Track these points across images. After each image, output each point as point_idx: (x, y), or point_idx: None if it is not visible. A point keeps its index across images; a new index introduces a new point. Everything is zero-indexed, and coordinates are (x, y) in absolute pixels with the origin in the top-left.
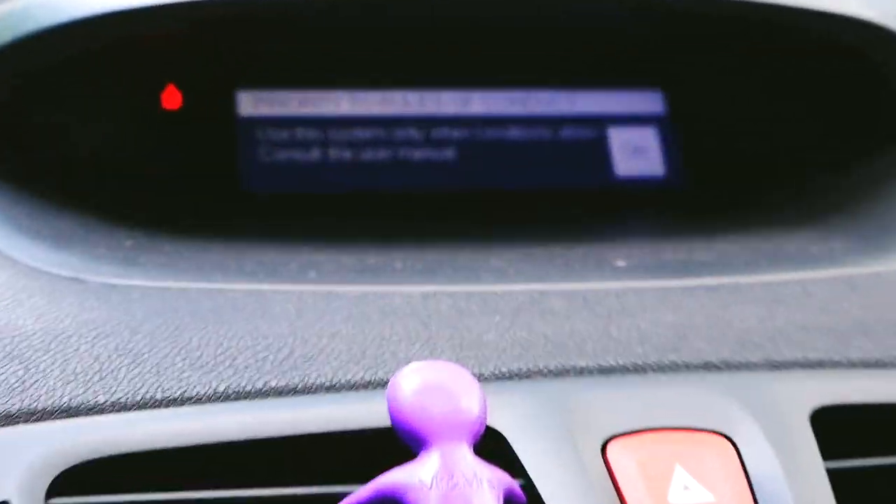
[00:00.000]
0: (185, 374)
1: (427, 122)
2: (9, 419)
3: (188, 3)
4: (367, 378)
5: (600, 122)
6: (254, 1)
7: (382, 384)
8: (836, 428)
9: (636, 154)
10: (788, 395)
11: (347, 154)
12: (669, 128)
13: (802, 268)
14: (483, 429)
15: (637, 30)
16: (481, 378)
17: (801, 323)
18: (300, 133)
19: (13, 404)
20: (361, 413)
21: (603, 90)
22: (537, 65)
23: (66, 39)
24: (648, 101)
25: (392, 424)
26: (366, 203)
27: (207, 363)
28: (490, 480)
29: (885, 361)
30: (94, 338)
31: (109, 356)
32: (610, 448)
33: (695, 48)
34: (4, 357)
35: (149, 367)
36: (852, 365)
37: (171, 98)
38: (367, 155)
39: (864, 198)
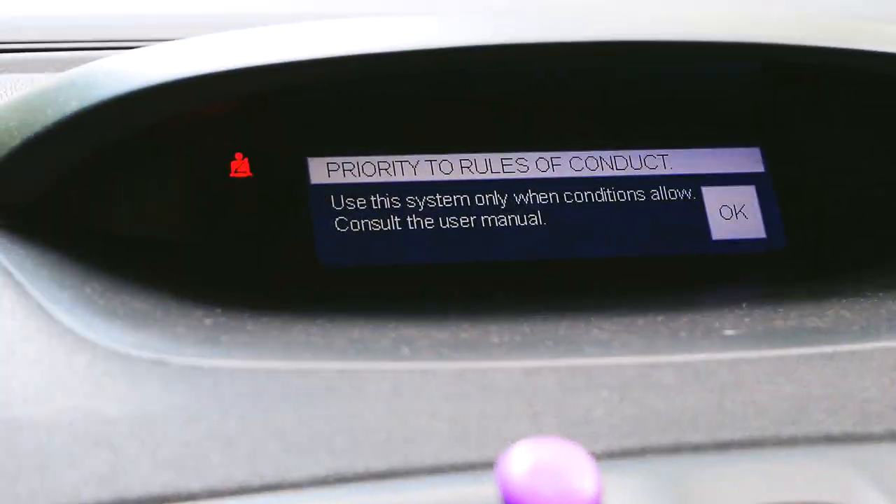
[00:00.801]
0: (281, 459)
1: (511, 186)
2: None
3: (256, 67)
4: (473, 459)
5: (695, 182)
6: (325, 64)
7: (489, 465)
8: None
9: (735, 215)
10: None
11: (428, 222)
12: (769, 186)
13: None
14: None
15: (733, 85)
16: (592, 456)
17: None
18: (377, 201)
19: (104, 494)
20: (469, 496)
21: (698, 148)
22: (626, 123)
23: (131, 109)
24: (746, 159)
25: None
26: (450, 273)
27: (303, 447)
28: None
29: None
30: (183, 422)
31: (200, 441)
32: None
33: (794, 102)
34: (92, 444)
35: (242, 452)
36: None
37: (241, 167)
38: (449, 222)
39: None
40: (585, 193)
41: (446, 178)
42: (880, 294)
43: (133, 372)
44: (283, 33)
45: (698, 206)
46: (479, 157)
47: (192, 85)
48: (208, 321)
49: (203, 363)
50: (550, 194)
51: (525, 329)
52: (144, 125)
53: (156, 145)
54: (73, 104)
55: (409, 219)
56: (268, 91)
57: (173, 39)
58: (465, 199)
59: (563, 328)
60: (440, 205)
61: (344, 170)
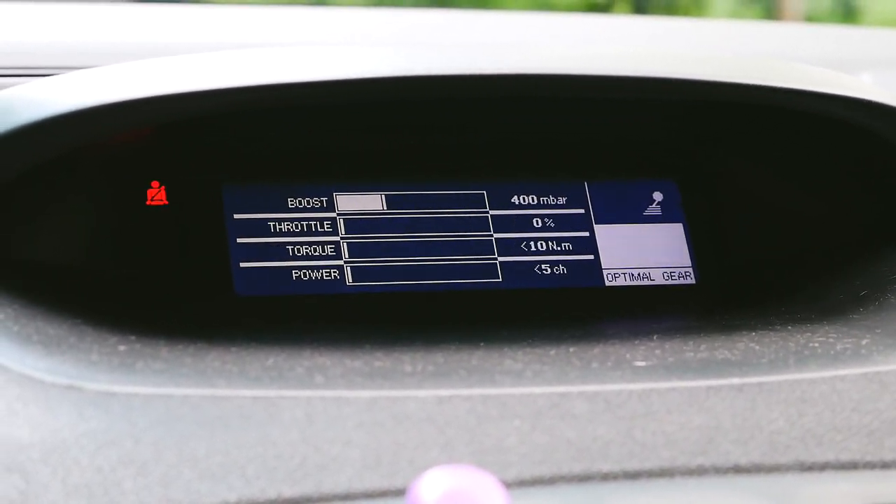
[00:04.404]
0: (194, 485)
1: (428, 221)
2: None
3: (168, 96)
4: (385, 486)
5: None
6: (233, 93)
7: (400, 492)
8: None
9: None
10: (821, 497)
11: (345, 252)
12: (683, 222)
13: (830, 366)
14: None
15: (652, 125)
16: (503, 484)
17: (831, 423)
18: (293, 230)
19: None
20: None
21: (614, 181)
22: (543, 157)
23: (47, 136)
24: (660, 195)
25: None
26: (365, 303)
27: (216, 473)
28: None
29: None
30: (96, 448)
31: (112, 467)
32: None
33: (709, 140)
34: (3, 470)
35: (155, 478)
36: (886, 466)
37: (157, 195)
38: (366, 253)
39: (888, 290)
40: (494, 226)
41: (364, 209)
42: (789, 327)
43: (46, 397)
44: (190, 63)
45: None
46: (398, 189)
47: (111, 111)
48: (123, 348)
49: (117, 389)
50: (463, 227)
51: (438, 358)
52: (62, 151)
53: (73, 172)
54: None
55: (324, 249)
56: (182, 120)
57: (89, 67)
58: (381, 230)
59: (476, 358)
60: (357, 235)
61: (260, 199)
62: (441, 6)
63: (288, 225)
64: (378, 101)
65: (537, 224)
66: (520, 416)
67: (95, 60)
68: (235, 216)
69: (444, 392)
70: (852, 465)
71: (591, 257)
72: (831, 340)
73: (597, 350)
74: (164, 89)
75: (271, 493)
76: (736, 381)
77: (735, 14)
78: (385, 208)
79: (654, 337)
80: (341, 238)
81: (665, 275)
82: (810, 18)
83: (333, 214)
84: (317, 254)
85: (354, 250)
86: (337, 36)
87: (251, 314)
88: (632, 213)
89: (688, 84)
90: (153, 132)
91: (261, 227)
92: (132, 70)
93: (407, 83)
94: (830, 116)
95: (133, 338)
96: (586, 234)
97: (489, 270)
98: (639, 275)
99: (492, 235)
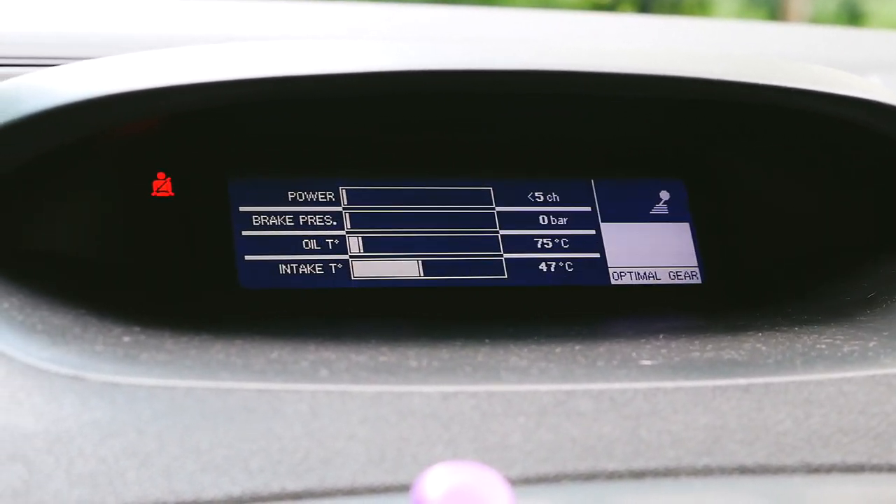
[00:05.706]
0: (197, 477)
1: (431, 217)
2: None
3: (180, 86)
4: (389, 482)
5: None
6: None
7: (404, 488)
8: None
9: None
10: (827, 500)
11: (351, 246)
12: (690, 221)
13: (837, 367)
14: None
15: (660, 124)
16: (508, 482)
17: (838, 425)
18: (298, 224)
19: None
20: None
21: (622, 179)
22: (548, 156)
23: (57, 124)
24: (667, 194)
25: None
26: (370, 298)
27: (220, 465)
28: None
29: None
30: (100, 438)
31: (116, 458)
32: None
33: (717, 139)
34: (7, 459)
35: (158, 470)
36: (893, 469)
37: (163, 186)
38: (370, 248)
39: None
40: (500, 223)
41: (370, 203)
42: (796, 328)
43: (50, 387)
44: (202, 54)
45: None
46: (404, 184)
47: (121, 101)
48: (127, 339)
49: (121, 380)
50: (469, 223)
51: (444, 354)
52: (69, 141)
53: (79, 162)
54: None
55: (330, 243)
56: (191, 111)
57: (91, 58)
58: (386, 225)
59: (481, 355)
60: (363, 229)
61: (266, 192)
62: (445, 2)
63: (293, 218)
64: (386, 95)
65: (543, 221)
66: (525, 413)
67: (100, 51)
68: (241, 209)
69: (449, 388)
70: (859, 468)
71: (597, 255)
72: (838, 342)
73: (602, 348)
74: (172, 80)
75: (275, 487)
76: (742, 381)
77: (740, 16)
78: (391, 203)
79: (660, 336)
80: (347, 232)
81: (671, 274)
82: (815, 21)
83: (339, 208)
84: (322, 248)
85: (360, 244)
86: (340, 30)
87: (256, 307)
88: (638, 211)
89: (698, 83)
90: (160, 123)
91: (266, 221)
92: (139, 60)
93: (415, 78)
94: (840, 117)
95: (137, 329)
96: (592, 232)
97: (495, 267)
98: (645, 274)
99: (498, 232)
